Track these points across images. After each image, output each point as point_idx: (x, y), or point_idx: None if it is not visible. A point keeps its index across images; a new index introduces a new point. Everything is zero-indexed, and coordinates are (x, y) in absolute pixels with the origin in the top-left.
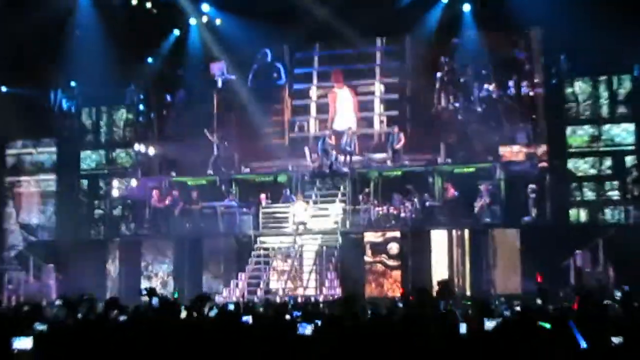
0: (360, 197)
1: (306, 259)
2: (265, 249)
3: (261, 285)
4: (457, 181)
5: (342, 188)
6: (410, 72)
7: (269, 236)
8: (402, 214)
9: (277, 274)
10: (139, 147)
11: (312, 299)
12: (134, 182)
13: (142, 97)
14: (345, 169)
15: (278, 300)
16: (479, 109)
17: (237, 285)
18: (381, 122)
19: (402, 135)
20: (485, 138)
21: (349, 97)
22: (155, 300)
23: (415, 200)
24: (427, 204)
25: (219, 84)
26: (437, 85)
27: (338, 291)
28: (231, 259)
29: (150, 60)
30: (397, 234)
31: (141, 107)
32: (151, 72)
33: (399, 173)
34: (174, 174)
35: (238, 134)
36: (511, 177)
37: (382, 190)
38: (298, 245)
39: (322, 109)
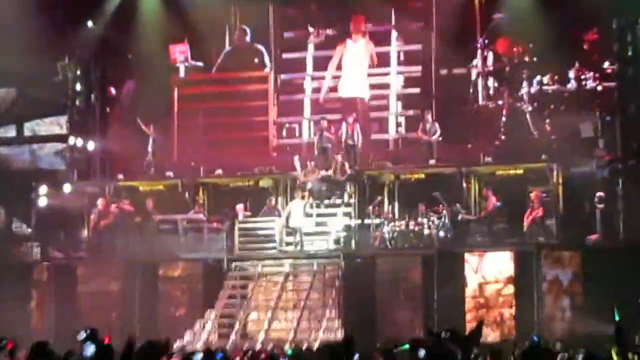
0: (371, 208)
1: (297, 291)
2: (243, 277)
3: (236, 328)
4: (500, 187)
5: (345, 196)
6: (437, 59)
7: (248, 260)
8: (427, 231)
9: (258, 312)
10: (74, 140)
11: (304, 344)
12: (67, 188)
13: (79, 73)
14: (345, 173)
15: (258, 347)
16: (529, 109)
17: (203, 326)
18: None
19: (437, 125)
20: (537, 134)
21: (364, 55)
22: (90, 349)
23: (444, 212)
24: (460, 217)
25: (181, 72)
26: (474, 76)
27: (339, 334)
28: (197, 291)
29: (90, 24)
30: (419, 257)
31: (78, 86)
32: (92, 40)
33: (422, 176)
34: (121, 176)
35: (204, 140)
36: (572, 182)
37: (400, 199)
38: (287, 272)
39: (321, 108)
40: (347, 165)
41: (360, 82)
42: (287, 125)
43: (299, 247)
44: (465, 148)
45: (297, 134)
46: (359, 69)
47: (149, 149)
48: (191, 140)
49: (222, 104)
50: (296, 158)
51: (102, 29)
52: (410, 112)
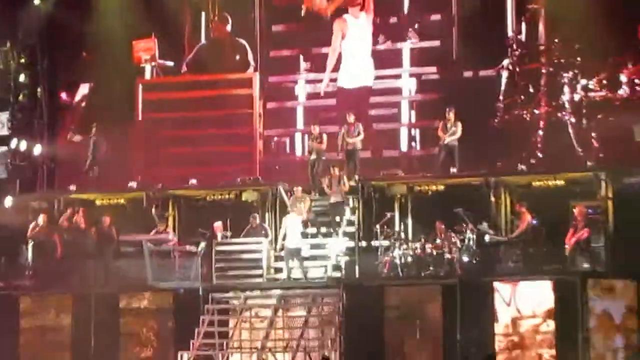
0: (378, 227)
1: (289, 329)
2: (223, 311)
3: None
4: (537, 202)
5: (347, 212)
6: (459, 58)
7: (229, 291)
8: (448, 255)
9: (241, 354)
10: (17, 143)
11: None
12: (8, 202)
13: (23, 61)
14: (344, 190)
15: None
16: (572, 119)
17: None
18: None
19: (459, 126)
20: (581, 151)
21: (367, 31)
22: None
23: (469, 232)
24: (488, 238)
25: (147, 74)
26: (504, 79)
27: None
28: (167, 328)
29: (37, 1)
30: (438, 287)
31: (22, 77)
32: (39, 22)
33: (442, 188)
34: (73, 187)
35: (173, 156)
36: (624, 196)
37: (413, 216)
38: (276, 306)
39: (315, 115)
40: (345, 181)
41: (365, 67)
42: (275, 138)
43: (297, 275)
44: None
45: (287, 150)
46: (363, 50)
47: (89, 153)
48: (158, 159)
49: (197, 113)
50: (280, 188)
51: (50, 8)
52: (426, 123)
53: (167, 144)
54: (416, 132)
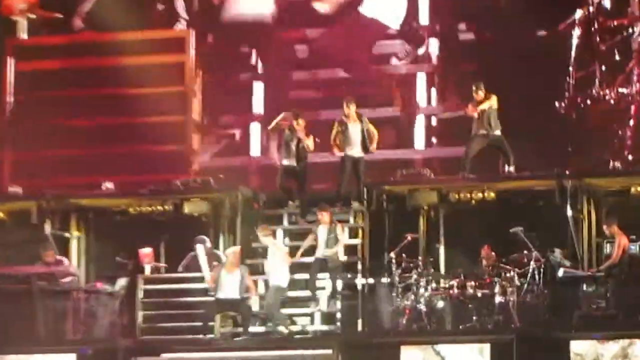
0: (393, 255)
1: None
2: None
3: None
4: (637, 218)
5: (343, 233)
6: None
7: (162, 352)
8: (500, 298)
9: None
10: None
11: None
12: None
13: None
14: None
15: None
16: None
17: None
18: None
19: (494, 98)
20: None
21: None
22: None
23: (533, 263)
24: (561, 272)
25: (22, 31)
26: (577, 38)
27: None
28: None
29: None
30: (485, 347)
31: None
32: None
33: (492, 195)
34: None
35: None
36: None
37: (448, 239)
38: None
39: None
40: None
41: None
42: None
43: (279, 329)
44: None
45: (238, 147)
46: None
47: None
48: (39, 159)
49: (97, 91)
50: (241, 193)
51: None
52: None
53: (54, 138)
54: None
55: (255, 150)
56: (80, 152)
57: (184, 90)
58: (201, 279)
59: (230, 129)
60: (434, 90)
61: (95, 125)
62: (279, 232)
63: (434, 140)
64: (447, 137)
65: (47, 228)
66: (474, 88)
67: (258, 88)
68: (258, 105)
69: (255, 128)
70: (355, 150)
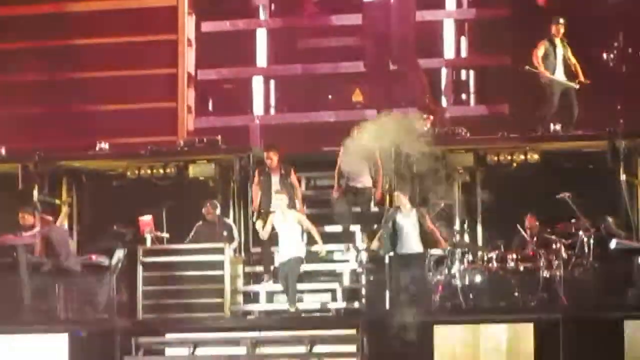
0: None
1: None
2: None
3: None
4: None
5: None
6: None
7: (165, 332)
8: (545, 273)
9: None
10: None
11: None
12: None
13: None
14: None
15: None
16: None
17: None
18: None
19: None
20: None
21: None
22: None
23: (582, 233)
24: (615, 243)
25: None
26: None
27: None
28: None
29: None
30: (528, 326)
31: None
32: None
33: (535, 157)
34: None
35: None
36: None
37: (486, 207)
38: (248, 356)
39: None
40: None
41: None
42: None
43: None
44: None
45: (239, 105)
46: None
47: None
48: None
49: (78, 40)
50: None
51: None
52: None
53: (33, 93)
54: (470, 75)
55: (258, 107)
56: (61, 110)
57: (175, 37)
58: (209, 250)
59: (229, 83)
60: (464, 40)
61: (77, 79)
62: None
63: (463, 96)
64: (480, 93)
65: (35, 194)
66: (554, 23)
67: (261, 37)
68: (261, 56)
69: (257, 82)
70: None
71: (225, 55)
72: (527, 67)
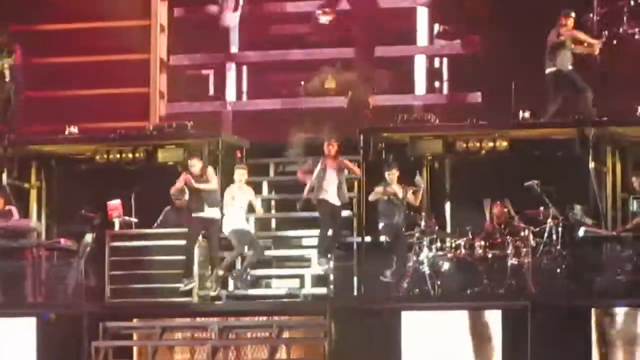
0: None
1: None
2: (121, 352)
3: None
4: None
5: (339, 183)
6: None
7: (133, 318)
8: (513, 260)
9: None
10: None
11: None
12: None
13: None
14: None
15: None
16: None
17: None
18: None
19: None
20: None
21: None
22: None
23: (550, 221)
24: (582, 231)
25: None
26: None
27: None
28: None
29: None
30: (496, 314)
31: None
32: None
33: (504, 145)
34: None
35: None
36: None
37: (454, 194)
38: (214, 345)
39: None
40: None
41: None
42: (192, 71)
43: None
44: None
45: (211, 91)
46: None
47: None
48: None
49: (49, 25)
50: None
51: None
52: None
53: None
54: (443, 63)
55: (230, 94)
56: (34, 95)
57: (148, 23)
58: (176, 235)
59: (202, 69)
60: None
61: (48, 64)
62: (264, 184)
63: (436, 84)
64: (451, 81)
65: (4, 179)
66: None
67: (231, 18)
68: (234, 42)
69: (231, 68)
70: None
71: (198, 40)
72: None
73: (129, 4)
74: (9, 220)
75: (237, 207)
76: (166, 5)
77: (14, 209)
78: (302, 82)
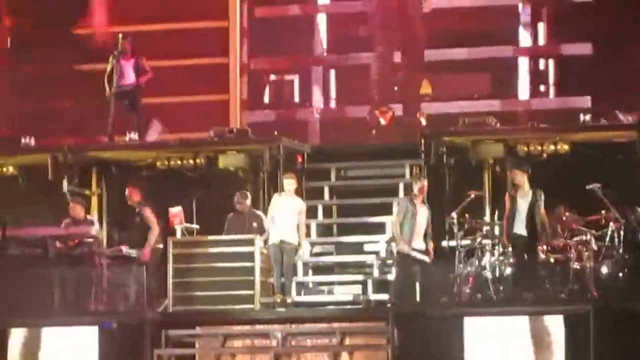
0: (454, 216)
1: None
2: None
3: None
4: None
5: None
6: None
7: (196, 325)
8: (575, 264)
9: None
10: None
11: None
12: None
13: None
14: None
15: None
16: None
17: None
18: None
19: None
20: None
21: None
22: None
23: (612, 225)
24: None
25: None
26: None
27: None
28: None
29: None
30: (558, 318)
31: None
32: None
33: (566, 148)
34: None
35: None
36: None
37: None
38: (277, 353)
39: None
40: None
41: None
42: (273, 76)
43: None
44: None
45: (295, 97)
46: None
47: None
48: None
49: (121, 28)
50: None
51: None
52: None
53: (62, 85)
54: (549, 63)
55: (317, 100)
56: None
57: (226, 24)
58: (240, 242)
59: (285, 74)
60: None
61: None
62: (325, 189)
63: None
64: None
65: (65, 185)
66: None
67: (322, 22)
68: (320, 42)
69: (317, 73)
70: None
71: (281, 43)
72: None
73: (206, 4)
74: (78, 228)
75: (284, 217)
76: (248, 4)
77: (95, 219)
78: (395, 88)
